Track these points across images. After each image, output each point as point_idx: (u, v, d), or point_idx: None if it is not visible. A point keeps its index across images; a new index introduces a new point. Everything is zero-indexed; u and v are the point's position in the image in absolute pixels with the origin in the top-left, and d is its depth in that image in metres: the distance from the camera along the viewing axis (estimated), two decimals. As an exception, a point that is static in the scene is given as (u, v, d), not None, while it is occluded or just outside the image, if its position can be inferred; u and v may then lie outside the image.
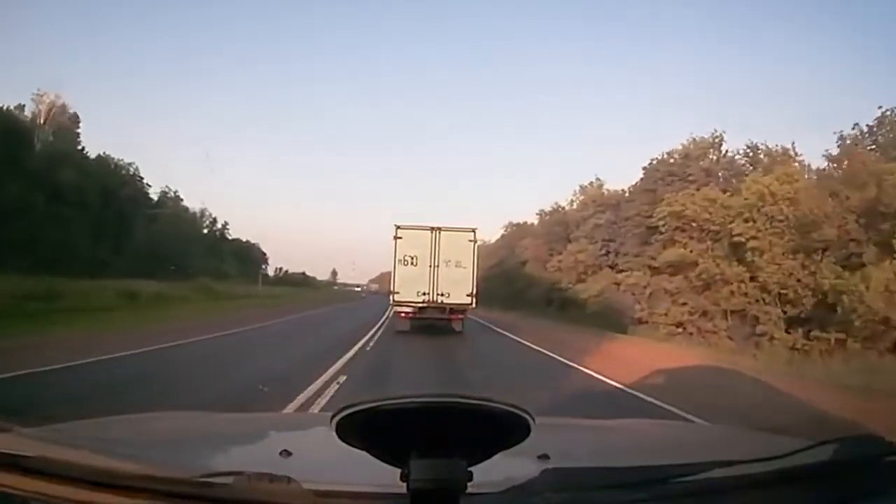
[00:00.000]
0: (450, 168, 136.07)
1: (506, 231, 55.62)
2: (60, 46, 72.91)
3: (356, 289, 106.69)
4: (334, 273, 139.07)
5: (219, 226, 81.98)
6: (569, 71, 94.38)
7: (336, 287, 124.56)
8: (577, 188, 40.25)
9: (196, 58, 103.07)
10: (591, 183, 38.65)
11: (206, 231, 76.32)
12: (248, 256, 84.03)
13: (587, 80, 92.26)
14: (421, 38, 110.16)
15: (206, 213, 79.59)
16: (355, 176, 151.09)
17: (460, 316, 17.73)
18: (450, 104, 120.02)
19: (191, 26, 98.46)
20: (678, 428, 3.46)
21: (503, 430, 0.92)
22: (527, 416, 0.90)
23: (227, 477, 1.08)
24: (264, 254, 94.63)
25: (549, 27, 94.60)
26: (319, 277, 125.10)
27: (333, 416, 0.90)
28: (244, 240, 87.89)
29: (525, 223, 50.94)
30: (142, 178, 53.36)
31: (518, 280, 41.43)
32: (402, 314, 17.53)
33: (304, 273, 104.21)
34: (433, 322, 17.63)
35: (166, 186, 62.98)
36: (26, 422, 1.56)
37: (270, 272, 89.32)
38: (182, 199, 66.50)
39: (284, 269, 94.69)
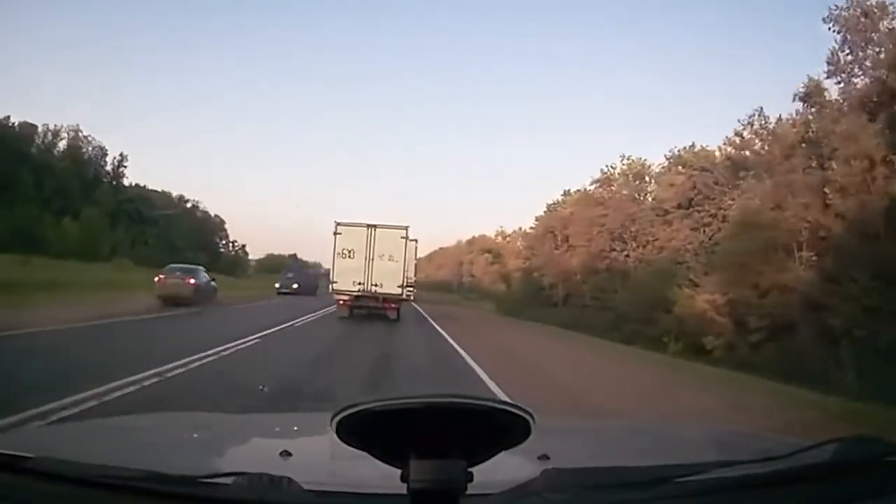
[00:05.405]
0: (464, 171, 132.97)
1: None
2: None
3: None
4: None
5: (109, 161, 47.84)
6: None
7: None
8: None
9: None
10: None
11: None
12: (164, 220, 52.34)
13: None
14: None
15: (88, 140, 46.35)
16: (367, 164, 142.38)
17: (394, 305, 19.63)
18: (448, 106, 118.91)
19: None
20: (678, 428, 3.46)
21: (503, 430, 0.92)
22: (527, 417, 0.90)
23: (227, 477, 1.08)
24: (223, 222, 68.50)
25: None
26: (326, 264, 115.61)
27: (333, 417, 0.90)
28: (175, 195, 55.68)
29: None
30: None
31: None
32: (341, 301, 19.57)
33: (294, 255, 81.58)
34: (369, 309, 19.46)
35: None
36: (26, 422, 1.57)
37: (251, 250, 67.11)
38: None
39: (241, 243, 73.67)
